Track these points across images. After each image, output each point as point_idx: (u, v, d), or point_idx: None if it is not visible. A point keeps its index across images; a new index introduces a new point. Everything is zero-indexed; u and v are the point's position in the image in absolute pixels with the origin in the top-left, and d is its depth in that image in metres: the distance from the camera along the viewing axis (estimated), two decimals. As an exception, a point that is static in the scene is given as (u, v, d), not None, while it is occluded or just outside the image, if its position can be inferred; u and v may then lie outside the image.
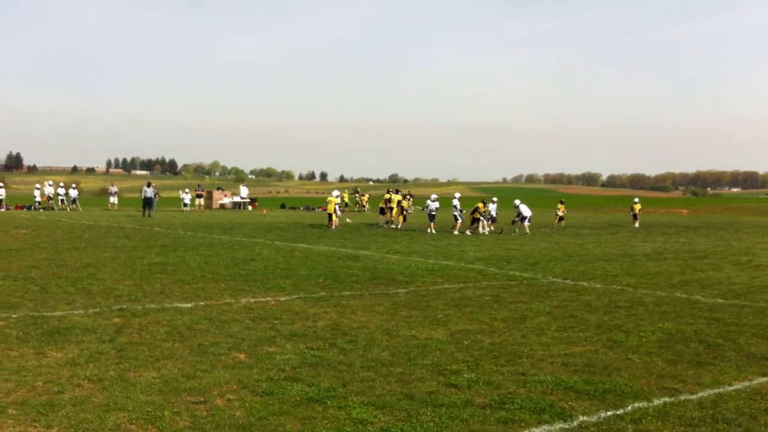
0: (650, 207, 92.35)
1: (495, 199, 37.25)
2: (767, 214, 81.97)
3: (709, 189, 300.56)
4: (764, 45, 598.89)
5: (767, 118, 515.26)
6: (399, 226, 35.40)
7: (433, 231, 32.67)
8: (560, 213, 40.49)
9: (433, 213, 33.54)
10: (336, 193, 37.31)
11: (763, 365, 8.42)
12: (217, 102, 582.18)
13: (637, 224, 42.83)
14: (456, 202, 33.87)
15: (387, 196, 37.88)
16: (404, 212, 36.84)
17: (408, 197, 40.46)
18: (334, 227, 34.43)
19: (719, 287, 15.42)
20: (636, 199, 46.79)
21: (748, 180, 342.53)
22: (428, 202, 34.14)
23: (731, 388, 7.40)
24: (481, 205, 34.01)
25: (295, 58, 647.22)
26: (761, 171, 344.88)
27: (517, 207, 34.12)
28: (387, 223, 37.04)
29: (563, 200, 43.03)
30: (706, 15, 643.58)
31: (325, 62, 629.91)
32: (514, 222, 34.53)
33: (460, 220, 33.32)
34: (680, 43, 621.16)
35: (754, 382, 7.66)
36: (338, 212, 35.68)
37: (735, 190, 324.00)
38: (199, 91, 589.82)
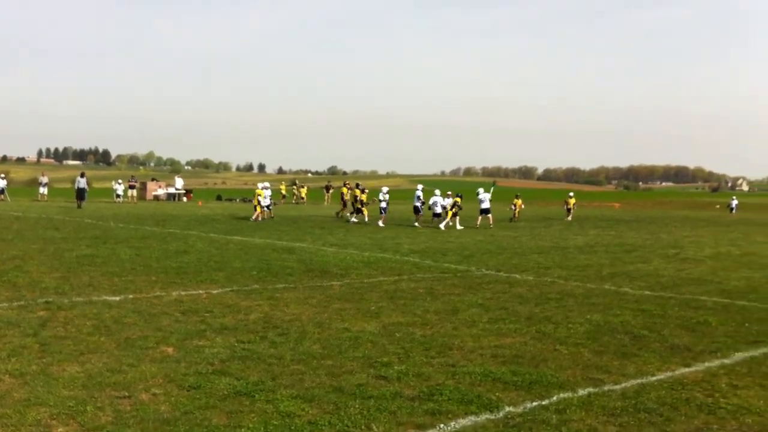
0: (584, 200, 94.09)
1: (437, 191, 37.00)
2: (696, 208, 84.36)
3: (641, 183, 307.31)
4: (691, 41, 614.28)
5: (699, 113, 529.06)
6: (366, 219, 35.10)
7: (381, 224, 32.50)
8: (517, 208, 40.14)
9: (384, 206, 33.41)
10: (264, 184, 36.87)
11: (686, 356, 8.65)
12: (153, 91, 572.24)
13: (570, 218, 43.62)
14: (419, 193, 33.86)
15: (357, 192, 37.03)
16: (363, 205, 36.57)
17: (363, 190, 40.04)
18: (258, 219, 34.11)
19: (647, 279, 15.79)
20: (571, 193, 47.45)
21: (679, 174, 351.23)
22: (380, 195, 33.88)
23: (654, 378, 7.58)
24: (458, 199, 33.80)
25: (233, 46, 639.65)
26: (692, 166, 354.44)
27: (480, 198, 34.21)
28: (343, 214, 37.51)
29: (519, 195, 42.77)
30: (648, 5, 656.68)
31: (264, 52, 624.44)
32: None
33: (421, 213, 33.35)
34: (616, 36, 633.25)
35: (676, 372, 7.86)
36: (263, 204, 35.20)
37: (666, 184, 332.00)
38: (134, 79, 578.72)
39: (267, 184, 37.34)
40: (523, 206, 41.79)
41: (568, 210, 44.76)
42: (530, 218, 43.58)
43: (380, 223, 32.64)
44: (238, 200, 68.91)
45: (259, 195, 35.24)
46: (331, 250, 20.20)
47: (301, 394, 6.66)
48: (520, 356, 8.37)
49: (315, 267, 16.26)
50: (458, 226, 31.65)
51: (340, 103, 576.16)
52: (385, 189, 34.50)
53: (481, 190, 34.84)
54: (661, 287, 14.59)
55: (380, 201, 33.65)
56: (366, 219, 34.84)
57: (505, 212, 40.67)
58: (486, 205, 33.58)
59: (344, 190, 38.28)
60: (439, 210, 32.92)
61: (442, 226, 31.48)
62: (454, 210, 32.33)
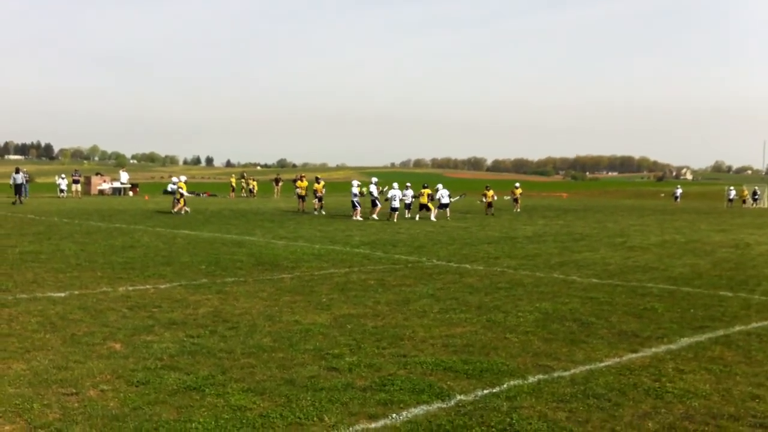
0: (532, 191, 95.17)
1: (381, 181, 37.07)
2: (641, 197, 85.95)
3: (587, 173, 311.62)
4: (638, 33, 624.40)
5: (644, 104, 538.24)
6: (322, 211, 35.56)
7: (359, 218, 32.02)
8: (487, 199, 38.99)
9: (355, 200, 32.68)
10: (183, 178, 36.58)
11: (633, 342, 8.79)
12: (97, 83, 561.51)
13: (518, 208, 44.06)
14: (355, 189, 32.92)
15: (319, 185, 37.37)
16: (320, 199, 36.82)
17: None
18: (179, 211, 33.79)
19: (594, 268, 16.02)
20: (517, 184, 47.97)
21: (624, 164, 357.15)
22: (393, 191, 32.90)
23: (602, 364, 7.69)
24: (426, 191, 33.78)
25: (180, 38, 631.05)
26: (637, 156, 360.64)
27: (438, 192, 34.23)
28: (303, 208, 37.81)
29: (489, 185, 41.75)
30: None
31: (211, 43, 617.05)
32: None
33: (359, 207, 32.73)
34: (562, 29, 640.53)
35: (624, 358, 7.98)
36: (177, 198, 34.67)
37: (612, 174, 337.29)
38: (78, 71, 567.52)
39: (185, 178, 36.87)
40: (495, 197, 40.48)
41: (515, 200, 45.25)
42: (480, 209, 43.88)
43: (357, 217, 32.06)
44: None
45: (182, 187, 34.73)
46: (281, 243, 20.07)
47: (252, 388, 6.59)
48: (470, 345, 8.41)
49: (265, 260, 16.14)
50: (433, 218, 32.66)
51: (289, 96, 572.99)
52: (355, 182, 34.02)
53: (440, 185, 35.06)
54: (608, 275, 14.81)
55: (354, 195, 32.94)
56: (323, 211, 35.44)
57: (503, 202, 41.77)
58: (446, 200, 33.90)
59: (317, 186, 37.40)
60: (396, 204, 32.11)
61: (433, 217, 32.66)
62: (433, 202, 33.50)
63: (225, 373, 7.04)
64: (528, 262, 16.80)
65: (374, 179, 35.26)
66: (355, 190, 32.91)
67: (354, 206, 32.76)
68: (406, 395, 6.45)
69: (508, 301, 11.45)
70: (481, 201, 40.22)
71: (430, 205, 33.48)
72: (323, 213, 35.62)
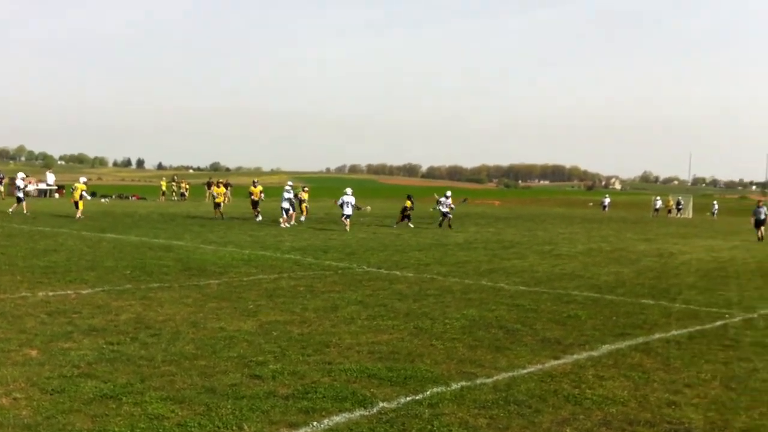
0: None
1: (448, 193, 35.82)
2: (571, 205, 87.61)
3: (520, 181, 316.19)
4: (573, 42, 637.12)
5: (577, 113, 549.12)
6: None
7: (287, 224, 30.43)
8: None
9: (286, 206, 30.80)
10: (83, 179, 34.04)
11: (556, 349, 8.92)
12: (23, 80, 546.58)
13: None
14: (289, 194, 31.27)
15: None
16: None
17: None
18: (79, 216, 31.12)
19: (522, 275, 16.23)
20: (448, 192, 47.96)
21: (556, 173, 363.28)
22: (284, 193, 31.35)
23: (525, 371, 7.78)
24: (408, 203, 33.19)
25: (112, 35, 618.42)
26: (568, 165, 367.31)
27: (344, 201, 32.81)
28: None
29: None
30: (533, 7, 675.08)
31: (142, 44, 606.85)
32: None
33: (292, 211, 31.40)
34: (499, 37, 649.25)
35: (546, 365, 8.09)
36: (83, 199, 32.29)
37: (544, 182, 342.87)
38: (4, 67, 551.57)
39: (84, 179, 34.36)
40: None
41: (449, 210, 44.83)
42: (413, 216, 44.05)
43: (286, 224, 30.44)
44: (114, 197, 66.78)
45: (84, 189, 32.59)
46: (210, 248, 19.81)
47: (171, 396, 6.46)
48: (396, 352, 8.42)
49: (193, 265, 15.89)
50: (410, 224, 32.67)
51: (223, 98, 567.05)
52: (289, 184, 32.74)
53: (348, 191, 31.30)
54: (535, 282, 15.02)
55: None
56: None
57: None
58: (348, 210, 29.92)
59: (254, 190, 35.07)
60: (349, 211, 29.73)
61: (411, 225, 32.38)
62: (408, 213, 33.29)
63: (144, 381, 6.89)
64: (458, 269, 16.93)
65: (290, 183, 33.31)
66: (289, 195, 31.35)
67: (285, 212, 31.07)
68: (328, 403, 6.41)
69: (437, 308, 11.51)
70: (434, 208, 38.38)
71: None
72: (260, 219, 33.61)
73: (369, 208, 35.10)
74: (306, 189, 36.82)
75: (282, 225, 30.26)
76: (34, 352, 7.87)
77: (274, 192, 33.85)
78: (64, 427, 5.63)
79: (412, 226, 32.34)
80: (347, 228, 28.87)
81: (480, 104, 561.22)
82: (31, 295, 11.50)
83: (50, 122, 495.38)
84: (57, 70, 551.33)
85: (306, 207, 35.27)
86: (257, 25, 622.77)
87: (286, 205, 30.85)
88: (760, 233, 31.89)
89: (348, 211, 29.88)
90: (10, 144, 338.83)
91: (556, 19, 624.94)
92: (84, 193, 32.55)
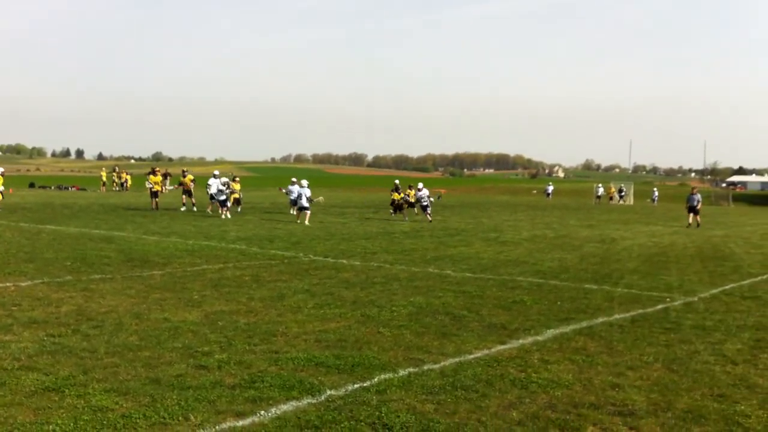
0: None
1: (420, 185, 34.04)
2: (516, 193, 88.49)
3: (465, 170, 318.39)
4: (517, 33, 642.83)
5: (521, 103, 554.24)
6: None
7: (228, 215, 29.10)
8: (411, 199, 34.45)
9: (222, 198, 29.24)
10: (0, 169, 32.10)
11: (502, 334, 9.00)
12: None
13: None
14: (213, 181, 30.03)
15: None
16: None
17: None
18: None
19: (468, 262, 16.34)
20: (396, 180, 47.67)
21: (500, 162, 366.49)
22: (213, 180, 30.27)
23: (471, 356, 7.83)
24: (411, 192, 32.65)
25: (50, 20, 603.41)
26: (512, 153, 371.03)
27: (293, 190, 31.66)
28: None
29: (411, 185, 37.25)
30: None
31: (84, 29, 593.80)
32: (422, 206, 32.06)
33: (215, 201, 30.18)
34: (442, 26, 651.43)
35: (492, 350, 8.16)
36: None
37: (489, 171, 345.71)
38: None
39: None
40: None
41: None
42: (359, 204, 44.12)
43: (226, 215, 29.26)
44: (53, 188, 65.36)
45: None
46: (153, 239, 19.51)
47: (115, 388, 6.35)
48: (344, 340, 8.40)
49: (135, 256, 15.63)
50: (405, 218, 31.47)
51: (166, 87, 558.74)
52: (215, 172, 31.34)
53: (304, 182, 29.73)
54: (481, 269, 15.13)
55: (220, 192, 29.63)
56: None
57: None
58: (304, 202, 28.18)
59: (184, 180, 33.92)
60: (305, 203, 28.10)
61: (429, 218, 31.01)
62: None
63: (87, 373, 6.75)
64: (404, 257, 16.97)
65: (216, 172, 31.51)
66: (219, 185, 29.64)
67: (221, 203, 29.47)
68: (275, 392, 6.36)
69: (383, 296, 11.52)
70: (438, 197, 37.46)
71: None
72: (194, 209, 32.72)
73: (322, 198, 33.37)
74: (237, 179, 35.08)
75: (208, 210, 30.73)
76: (-29, 346, 7.65)
77: (204, 182, 32.99)
78: (5, 421, 5.49)
79: (406, 219, 31.18)
80: (306, 222, 27.34)
81: (426, 93, 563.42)
82: (-32, 288, 11.19)
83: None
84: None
85: (238, 198, 33.80)
86: (198, 12, 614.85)
87: (213, 190, 29.59)
88: (691, 219, 32.15)
89: (304, 202, 28.19)
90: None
91: (504, 10, 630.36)
92: None
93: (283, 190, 35.81)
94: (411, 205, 35.17)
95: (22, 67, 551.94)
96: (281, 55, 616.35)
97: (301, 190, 28.58)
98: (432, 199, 34.06)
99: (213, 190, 29.68)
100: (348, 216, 33.16)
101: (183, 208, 33.24)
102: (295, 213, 30.94)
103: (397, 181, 35.37)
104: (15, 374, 6.67)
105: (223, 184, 29.56)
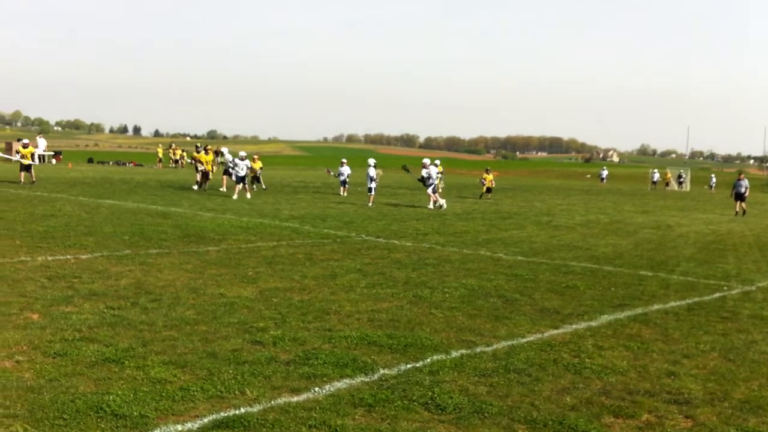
0: (463, 168, 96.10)
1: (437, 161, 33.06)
2: (568, 177, 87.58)
3: (518, 153, 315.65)
4: (569, 15, 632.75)
5: (574, 86, 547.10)
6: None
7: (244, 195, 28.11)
8: (487, 183, 35.28)
9: (241, 174, 28.39)
10: (25, 141, 32.86)
11: (555, 318, 8.95)
12: (19, 44, 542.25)
13: (440, 186, 40.58)
14: (241, 162, 28.65)
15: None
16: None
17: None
18: (28, 181, 30.04)
19: (521, 245, 16.25)
20: (437, 161, 44.83)
21: (553, 145, 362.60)
22: (236, 160, 29.11)
23: (524, 340, 7.81)
24: (489, 177, 31.41)
25: (102, 1, 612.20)
26: (566, 137, 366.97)
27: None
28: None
29: (489, 168, 37.82)
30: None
31: (136, 7, 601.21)
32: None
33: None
34: (493, 6, 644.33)
35: (545, 334, 8.13)
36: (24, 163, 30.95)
37: (542, 154, 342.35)
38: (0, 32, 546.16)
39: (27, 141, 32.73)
40: (493, 183, 36.58)
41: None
42: (410, 185, 44.06)
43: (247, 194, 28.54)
44: (111, 163, 66.62)
45: (24, 155, 31.05)
46: (209, 216, 19.79)
47: (173, 360, 6.49)
48: (396, 320, 8.44)
49: (191, 232, 15.89)
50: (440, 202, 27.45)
51: (221, 65, 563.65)
52: (242, 153, 29.81)
53: (371, 161, 29.71)
54: (533, 253, 15.04)
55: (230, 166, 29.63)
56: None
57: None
58: (371, 183, 27.99)
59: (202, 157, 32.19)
60: (372, 184, 27.75)
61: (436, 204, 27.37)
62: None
63: (145, 346, 6.91)
64: (456, 239, 16.94)
65: (242, 153, 29.98)
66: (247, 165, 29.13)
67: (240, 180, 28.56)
68: (329, 369, 6.43)
69: (435, 277, 11.53)
70: (481, 183, 36.22)
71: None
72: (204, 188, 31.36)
73: (381, 171, 30.97)
74: (256, 157, 34.38)
75: (221, 189, 30.10)
76: (35, 316, 7.88)
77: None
78: (67, 390, 5.64)
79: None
80: (370, 203, 26.82)
81: (479, 75, 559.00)
82: (31, 259, 11.50)
83: (46, 88, 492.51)
84: (52, 34, 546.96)
85: (257, 176, 33.40)
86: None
87: (242, 172, 28.43)
88: (738, 206, 31.41)
89: (372, 184, 27.86)
90: (7, 109, 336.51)
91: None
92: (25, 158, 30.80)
93: (332, 173, 35.67)
94: (489, 190, 34.73)
95: (80, 43, 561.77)
96: (332, 34, 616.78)
97: (369, 170, 28.30)
98: (434, 180, 28.28)
99: (242, 172, 28.51)
100: (399, 197, 33.17)
101: (196, 186, 31.73)
102: (345, 194, 31.05)
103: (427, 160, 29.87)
104: (76, 345, 6.85)
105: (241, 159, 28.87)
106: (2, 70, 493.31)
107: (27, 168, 30.52)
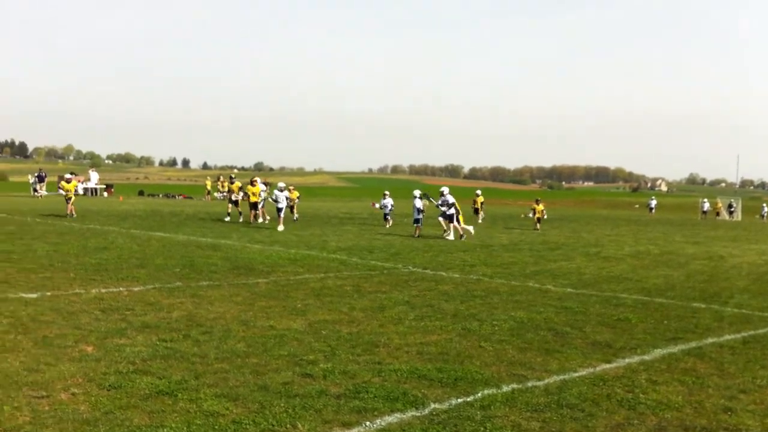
0: (508, 199, 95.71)
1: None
2: (616, 207, 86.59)
3: (564, 183, 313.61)
4: (616, 44, 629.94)
5: (620, 114, 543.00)
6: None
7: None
8: (537, 214, 34.65)
9: (281, 205, 28.63)
10: (68, 176, 33.39)
11: (607, 352, 8.82)
12: (73, 81, 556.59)
13: (479, 216, 40.10)
14: (280, 194, 28.89)
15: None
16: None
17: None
18: (71, 213, 30.77)
19: (569, 277, 16.09)
20: (478, 192, 42.86)
21: (599, 174, 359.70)
22: (276, 192, 29.31)
23: (576, 374, 7.71)
24: (539, 207, 31.11)
25: (158, 36, 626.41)
26: (612, 166, 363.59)
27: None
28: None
29: (539, 199, 37.14)
30: (566, 8, 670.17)
31: (187, 44, 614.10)
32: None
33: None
34: (541, 36, 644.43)
35: (597, 368, 8.01)
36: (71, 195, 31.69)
37: (588, 184, 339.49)
38: (53, 69, 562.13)
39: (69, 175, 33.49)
40: (544, 214, 35.82)
41: (476, 210, 40.41)
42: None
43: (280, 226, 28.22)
44: (161, 196, 67.71)
45: (66, 189, 31.85)
46: (257, 248, 19.98)
47: (225, 393, 6.54)
48: (445, 353, 8.40)
49: (240, 264, 16.05)
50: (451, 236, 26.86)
51: (267, 99, 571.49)
52: (281, 185, 30.12)
53: (416, 192, 29.05)
54: (583, 285, 14.88)
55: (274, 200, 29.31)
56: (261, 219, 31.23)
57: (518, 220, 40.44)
58: (418, 215, 27.84)
59: (232, 186, 33.18)
60: (419, 215, 27.59)
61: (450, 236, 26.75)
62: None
63: (198, 378, 6.98)
64: (503, 271, 16.84)
65: (281, 184, 30.21)
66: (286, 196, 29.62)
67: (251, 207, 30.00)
68: (380, 403, 6.42)
69: (484, 310, 11.47)
70: (526, 215, 35.56)
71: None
72: (240, 220, 31.53)
73: (427, 202, 29.51)
74: (292, 188, 34.15)
75: (254, 220, 30.24)
76: (89, 348, 8.02)
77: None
78: (122, 423, 5.72)
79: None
80: (416, 234, 26.90)
81: (524, 104, 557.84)
82: (85, 291, 11.72)
83: (97, 122, 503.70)
84: (104, 71, 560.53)
85: (292, 206, 33.33)
86: (304, 26, 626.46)
87: (282, 204, 28.63)
88: None
89: (419, 215, 27.57)
90: (59, 143, 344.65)
91: (602, 20, 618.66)
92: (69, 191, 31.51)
93: (377, 206, 35.70)
94: (538, 221, 34.26)
95: (131, 78, 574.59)
96: (378, 66, 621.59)
97: (415, 202, 27.93)
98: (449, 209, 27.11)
99: (282, 204, 28.58)
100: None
101: (227, 218, 31.76)
102: (388, 226, 31.00)
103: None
104: (130, 377, 6.95)
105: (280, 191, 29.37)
106: (55, 106, 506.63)
107: (69, 200, 31.37)
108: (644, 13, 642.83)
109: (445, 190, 28.10)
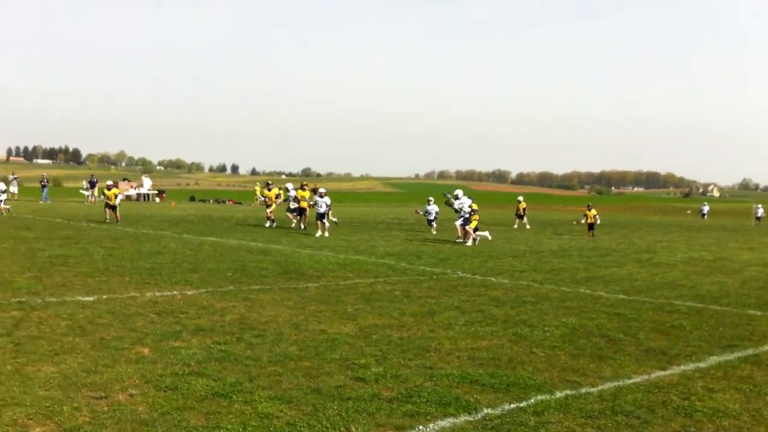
0: (557, 204, 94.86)
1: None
2: (668, 213, 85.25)
3: (613, 188, 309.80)
4: (666, 48, 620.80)
5: (671, 119, 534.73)
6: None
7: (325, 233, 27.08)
8: (590, 219, 33.44)
9: (321, 211, 27.45)
10: (109, 182, 32.97)
11: (661, 359, 8.71)
12: (124, 89, 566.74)
13: (525, 222, 39.31)
14: (320, 200, 27.97)
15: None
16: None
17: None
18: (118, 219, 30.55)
19: (621, 283, 15.90)
20: (520, 198, 41.25)
21: (650, 180, 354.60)
22: (316, 197, 28.53)
23: (630, 381, 7.63)
24: (591, 213, 31.21)
25: (209, 43, 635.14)
26: (663, 172, 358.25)
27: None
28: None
29: (591, 204, 35.44)
30: (601, 12, 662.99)
31: (236, 51, 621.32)
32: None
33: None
34: (586, 40, 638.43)
35: (652, 375, 7.91)
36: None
37: (638, 189, 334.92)
38: (105, 78, 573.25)
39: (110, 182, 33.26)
40: (597, 219, 34.35)
41: (520, 216, 39.31)
42: (505, 222, 43.76)
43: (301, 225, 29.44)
44: (211, 201, 68.60)
45: (109, 197, 31.40)
46: (307, 252, 20.12)
47: (279, 396, 6.62)
48: (497, 358, 8.38)
49: (290, 269, 16.19)
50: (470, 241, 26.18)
51: (315, 104, 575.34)
52: (322, 190, 28.86)
53: (459, 192, 29.01)
54: (635, 291, 14.69)
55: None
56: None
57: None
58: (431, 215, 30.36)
59: (269, 194, 33.28)
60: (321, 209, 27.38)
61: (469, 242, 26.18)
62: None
63: (252, 381, 7.07)
64: (554, 277, 16.72)
65: (322, 190, 29.06)
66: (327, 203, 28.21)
67: (299, 212, 29.80)
68: (432, 407, 6.44)
69: (534, 315, 11.40)
70: (578, 222, 35.73)
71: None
72: (274, 225, 31.60)
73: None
74: (323, 191, 34.14)
75: (294, 225, 30.32)
76: (146, 350, 8.17)
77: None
78: (179, 424, 5.83)
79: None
80: (469, 242, 25.87)
81: (571, 109, 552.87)
82: (140, 295, 11.94)
83: (148, 128, 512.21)
84: (156, 78, 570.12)
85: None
86: (351, 33, 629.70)
87: (322, 209, 27.52)
88: None
89: (321, 210, 27.34)
90: (112, 149, 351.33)
91: (652, 23, 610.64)
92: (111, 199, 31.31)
93: (420, 212, 35.54)
94: (591, 227, 33.48)
95: (181, 85, 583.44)
96: (425, 72, 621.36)
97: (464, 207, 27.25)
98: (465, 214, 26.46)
99: (322, 209, 27.67)
100: (493, 233, 32.94)
101: (268, 224, 31.80)
102: (434, 232, 30.87)
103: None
104: (186, 379, 7.07)
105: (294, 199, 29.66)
106: (108, 112, 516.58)
107: (113, 207, 31.29)
108: (695, 19, 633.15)
109: (459, 192, 28.38)
